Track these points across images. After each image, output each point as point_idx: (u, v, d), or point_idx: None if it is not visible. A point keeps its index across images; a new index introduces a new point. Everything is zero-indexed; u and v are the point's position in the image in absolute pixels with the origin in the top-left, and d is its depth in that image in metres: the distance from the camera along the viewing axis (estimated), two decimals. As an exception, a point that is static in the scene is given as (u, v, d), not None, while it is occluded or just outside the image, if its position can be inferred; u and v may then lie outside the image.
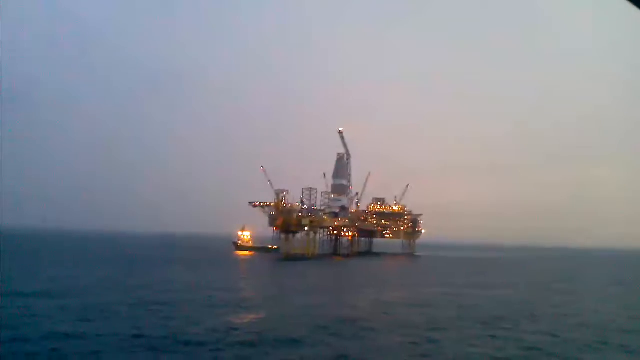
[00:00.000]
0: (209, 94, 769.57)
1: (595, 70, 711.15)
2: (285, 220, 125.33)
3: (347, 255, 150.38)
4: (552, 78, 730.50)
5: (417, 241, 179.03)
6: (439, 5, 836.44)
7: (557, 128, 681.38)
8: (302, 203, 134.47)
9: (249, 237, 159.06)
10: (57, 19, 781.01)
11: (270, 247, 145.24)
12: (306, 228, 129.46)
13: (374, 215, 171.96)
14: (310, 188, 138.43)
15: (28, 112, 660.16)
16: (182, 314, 38.56)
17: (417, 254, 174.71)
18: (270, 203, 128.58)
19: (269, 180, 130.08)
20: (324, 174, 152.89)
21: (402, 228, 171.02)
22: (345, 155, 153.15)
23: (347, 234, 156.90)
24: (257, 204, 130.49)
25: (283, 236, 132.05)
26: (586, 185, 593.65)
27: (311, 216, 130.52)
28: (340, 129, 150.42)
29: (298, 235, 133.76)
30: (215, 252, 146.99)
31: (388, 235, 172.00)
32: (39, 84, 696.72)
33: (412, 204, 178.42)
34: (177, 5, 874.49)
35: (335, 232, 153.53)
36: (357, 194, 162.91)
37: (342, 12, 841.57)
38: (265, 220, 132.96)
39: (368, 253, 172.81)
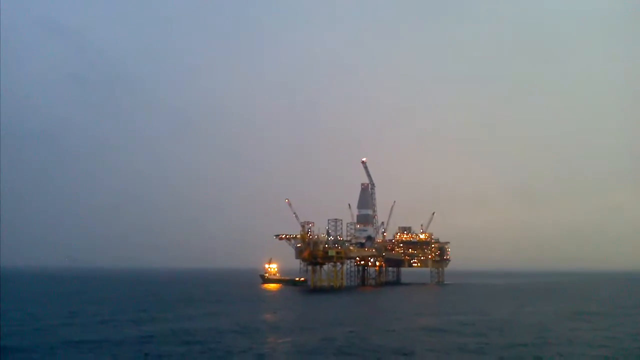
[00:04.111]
0: (233, 129, 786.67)
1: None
2: (312, 252, 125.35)
3: (375, 286, 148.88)
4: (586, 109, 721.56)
5: (446, 269, 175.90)
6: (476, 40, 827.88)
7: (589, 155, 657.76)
8: (328, 234, 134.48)
9: (276, 269, 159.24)
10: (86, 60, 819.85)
11: (297, 279, 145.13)
12: (333, 259, 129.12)
13: (401, 244, 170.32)
14: (336, 219, 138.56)
15: (57, 152, 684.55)
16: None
17: (447, 282, 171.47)
18: (296, 235, 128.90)
19: (295, 213, 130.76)
20: (349, 205, 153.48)
21: (430, 256, 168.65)
22: (369, 184, 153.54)
23: (374, 264, 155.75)
24: (283, 236, 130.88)
25: (310, 268, 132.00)
26: (615, 211, 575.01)
27: (337, 247, 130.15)
28: (364, 159, 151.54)
29: (325, 267, 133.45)
30: (244, 286, 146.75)
31: (416, 264, 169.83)
32: (69, 125, 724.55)
33: (439, 232, 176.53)
34: (199, 42, 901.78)
35: (362, 262, 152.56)
36: (382, 223, 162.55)
37: (372, 43, 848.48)
38: (291, 252, 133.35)
39: (396, 283, 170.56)
